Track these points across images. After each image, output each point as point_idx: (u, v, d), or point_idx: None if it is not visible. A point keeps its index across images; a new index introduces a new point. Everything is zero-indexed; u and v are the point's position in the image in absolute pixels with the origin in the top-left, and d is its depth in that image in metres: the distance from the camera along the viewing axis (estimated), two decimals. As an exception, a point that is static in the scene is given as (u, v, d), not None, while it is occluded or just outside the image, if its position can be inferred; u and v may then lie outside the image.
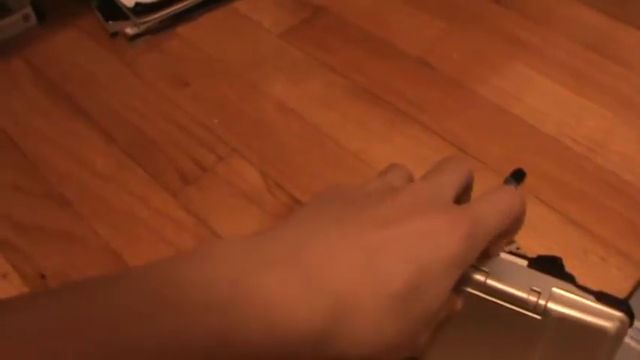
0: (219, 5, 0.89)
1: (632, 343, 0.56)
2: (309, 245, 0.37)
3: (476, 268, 0.45)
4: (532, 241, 0.64)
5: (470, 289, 0.45)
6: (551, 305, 0.45)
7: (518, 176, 0.68)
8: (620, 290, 0.60)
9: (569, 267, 0.62)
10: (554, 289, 0.46)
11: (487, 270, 0.46)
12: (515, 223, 0.45)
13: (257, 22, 0.88)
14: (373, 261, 0.37)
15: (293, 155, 0.72)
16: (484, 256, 0.45)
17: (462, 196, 0.48)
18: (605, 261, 0.63)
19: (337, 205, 0.41)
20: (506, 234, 0.45)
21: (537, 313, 0.45)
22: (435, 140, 0.73)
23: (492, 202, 0.43)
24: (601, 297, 0.47)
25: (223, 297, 0.33)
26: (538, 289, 0.45)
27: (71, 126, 0.76)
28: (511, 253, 0.61)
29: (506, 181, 0.67)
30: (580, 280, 0.61)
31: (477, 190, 0.66)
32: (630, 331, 0.55)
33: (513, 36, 0.85)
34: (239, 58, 0.83)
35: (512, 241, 0.63)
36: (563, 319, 0.45)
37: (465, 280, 0.44)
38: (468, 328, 0.47)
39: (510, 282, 0.45)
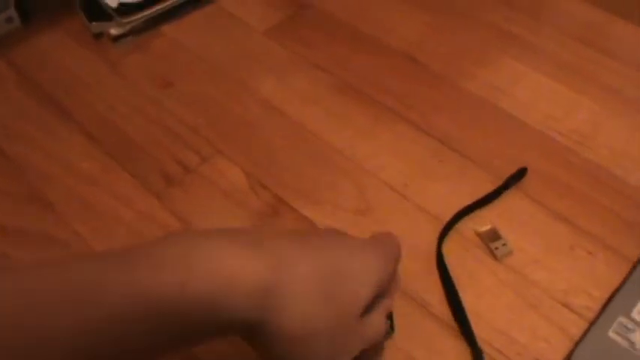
0: (204, 3, 0.89)
1: (618, 339, 0.55)
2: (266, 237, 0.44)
3: None
4: (518, 236, 0.63)
5: None
6: None
7: (519, 176, 0.68)
8: (607, 285, 0.60)
9: (555, 263, 0.61)
10: None
11: None
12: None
13: (242, 19, 0.87)
14: (309, 253, 0.44)
15: (277, 154, 0.71)
16: None
17: None
18: (592, 256, 0.62)
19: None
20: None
21: None
22: (421, 136, 0.72)
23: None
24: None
25: (179, 258, 0.40)
26: None
27: (55, 128, 0.75)
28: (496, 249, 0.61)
29: (507, 182, 0.67)
30: (565, 276, 0.60)
31: (463, 188, 0.66)
32: (615, 327, 0.55)
33: (502, 29, 0.84)
34: (224, 57, 0.82)
35: (498, 237, 0.63)
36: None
37: None
38: None
39: None
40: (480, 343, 0.57)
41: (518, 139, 0.71)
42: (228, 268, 0.40)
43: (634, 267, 0.60)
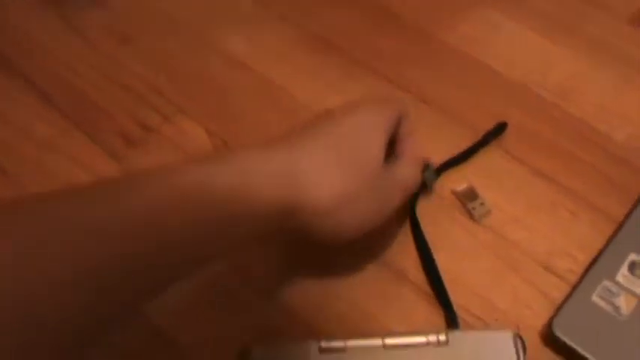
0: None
1: (602, 303, 0.52)
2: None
3: None
4: (497, 194, 0.60)
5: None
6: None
7: (498, 131, 0.64)
8: (591, 247, 0.56)
9: (536, 222, 0.58)
10: None
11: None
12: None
13: (207, -29, 0.83)
14: (322, 130, 0.48)
15: (242, 111, 0.67)
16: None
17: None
18: (575, 215, 0.59)
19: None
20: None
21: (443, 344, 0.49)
22: (394, 90, 0.68)
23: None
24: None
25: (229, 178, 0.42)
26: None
27: (8, 90, 0.71)
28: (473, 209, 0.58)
29: (486, 137, 0.63)
30: (547, 237, 0.57)
31: (438, 145, 0.62)
32: (599, 291, 0.51)
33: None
34: (185, 10, 0.78)
35: (475, 196, 0.59)
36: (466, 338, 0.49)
37: None
38: None
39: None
40: (458, 310, 0.54)
41: (497, 94, 0.68)
42: (253, 165, 0.43)
43: (619, 228, 0.57)
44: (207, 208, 0.40)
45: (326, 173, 0.46)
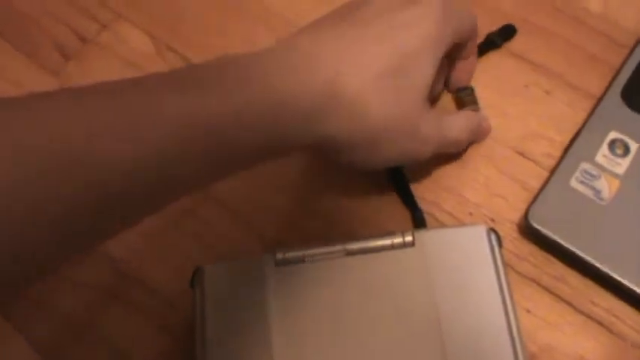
0: None
1: (581, 188, 0.48)
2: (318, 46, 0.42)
3: None
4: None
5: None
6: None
7: (506, 32, 0.57)
8: (569, 128, 0.52)
9: (509, 106, 0.53)
10: None
11: None
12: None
13: None
14: (360, 49, 0.42)
15: (185, 12, 0.62)
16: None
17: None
18: (550, 95, 0.54)
19: (344, 14, 0.45)
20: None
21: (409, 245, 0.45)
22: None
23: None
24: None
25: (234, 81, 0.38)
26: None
27: None
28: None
29: (490, 37, 0.57)
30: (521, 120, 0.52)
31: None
32: (578, 174, 0.47)
33: None
34: None
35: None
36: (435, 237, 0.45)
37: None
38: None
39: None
40: (428, 206, 0.50)
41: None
42: (280, 94, 0.38)
43: (597, 104, 0.52)
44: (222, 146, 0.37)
45: (367, 101, 0.41)
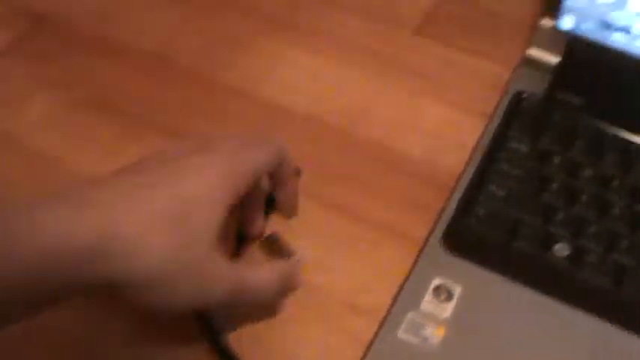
0: None
1: (409, 338, 0.47)
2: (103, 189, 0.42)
3: None
4: (290, 234, 0.55)
5: None
6: None
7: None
8: (396, 276, 0.52)
9: (336, 261, 0.53)
10: None
11: None
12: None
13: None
14: (137, 195, 0.42)
15: (13, 188, 0.60)
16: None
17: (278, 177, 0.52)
18: (377, 245, 0.55)
19: (132, 165, 0.46)
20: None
21: None
22: (176, 142, 0.62)
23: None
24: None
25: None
26: None
27: None
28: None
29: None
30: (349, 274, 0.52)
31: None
32: (405, 325, 0.47)
33: (259, 11, 0.75)
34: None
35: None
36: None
37: None
38: None
39: None
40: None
41: (284, 127, 0.63)
42: (54, 239, 0.38)
43: (421, 251, 0.52)
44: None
45: (148, 244, 0.41)
